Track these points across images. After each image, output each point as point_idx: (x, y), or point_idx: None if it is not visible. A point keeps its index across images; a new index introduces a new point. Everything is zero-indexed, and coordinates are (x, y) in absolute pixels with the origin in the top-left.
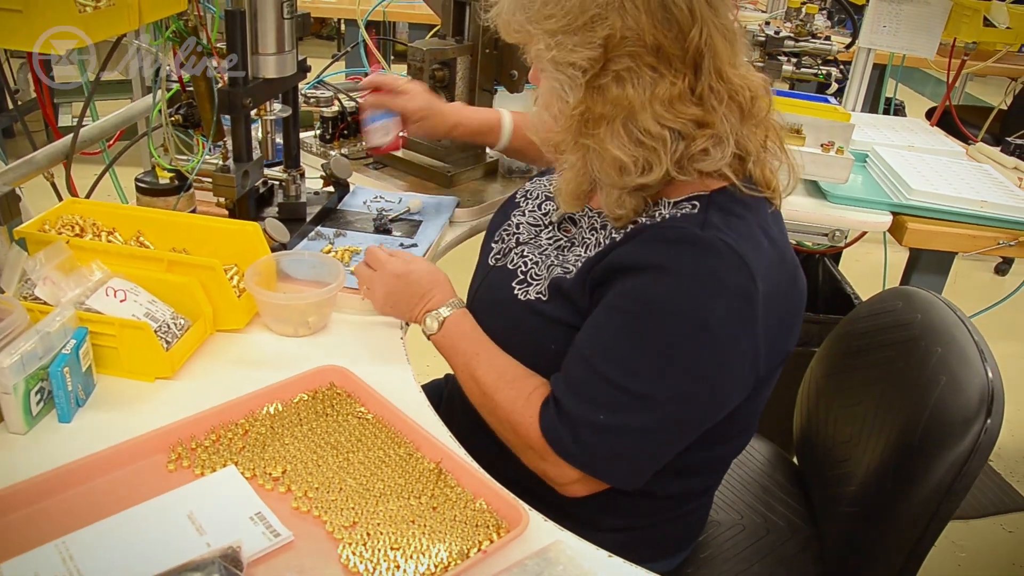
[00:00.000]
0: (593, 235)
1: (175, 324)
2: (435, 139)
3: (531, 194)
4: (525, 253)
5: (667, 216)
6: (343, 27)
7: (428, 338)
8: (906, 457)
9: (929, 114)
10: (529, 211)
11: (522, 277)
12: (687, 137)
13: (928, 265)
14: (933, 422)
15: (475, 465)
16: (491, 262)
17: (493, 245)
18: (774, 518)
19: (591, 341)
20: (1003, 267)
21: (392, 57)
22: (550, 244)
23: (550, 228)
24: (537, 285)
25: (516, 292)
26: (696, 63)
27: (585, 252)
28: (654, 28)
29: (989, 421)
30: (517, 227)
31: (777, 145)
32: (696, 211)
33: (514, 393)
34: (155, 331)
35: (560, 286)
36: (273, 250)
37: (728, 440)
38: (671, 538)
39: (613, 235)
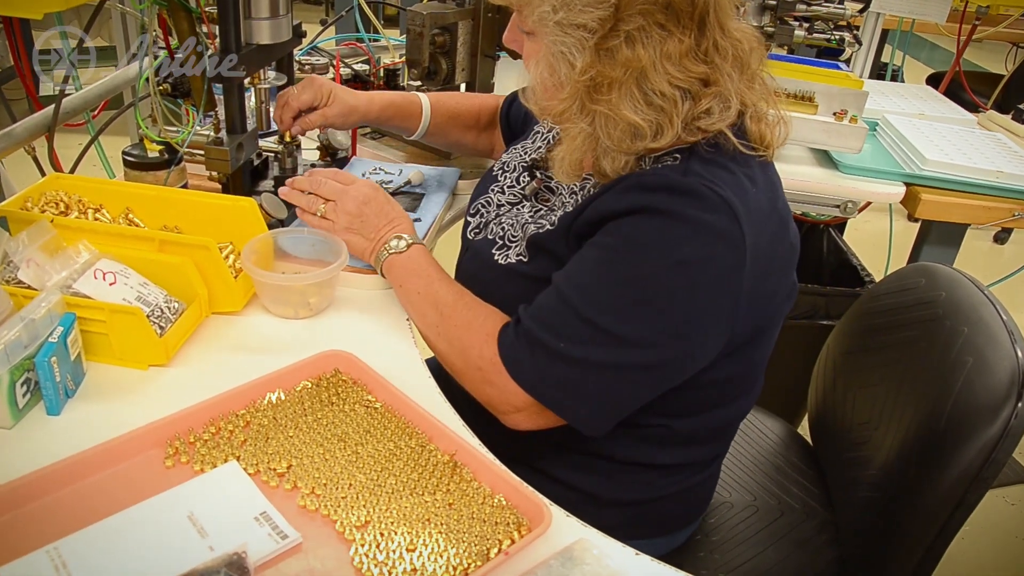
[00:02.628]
0: (572, 197)
1: (168, 308)
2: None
3: (508, 166)
4: (503, 222)
5: (647, 169)
6: None
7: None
8: (930, 442)
9: (929, 80)
10: (508, 186)
11: (501, 243)
12: (694, 96)
13: (939, 237)
14: (959, 406)
15: (491, 457)
16: (470, 235)
17: (470, 219)
18: (788, 500)
19: (565, 273)
20: (1002, 236)
21: (383, 21)
22: (529, 215)
23: (530, 200)
24: (516, 247)
25: (496, 258)
26: (702, 18)
27: (563, 212)
28: None
29: (1021, 404)
30: (498, 204)
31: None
32: (678, 162)
33: (473, 313)
34: (147, 316)
35: (537, 242)
36: (270, 227)
37: (728, 403)
38: (677, 512)
39: (591, 191)
